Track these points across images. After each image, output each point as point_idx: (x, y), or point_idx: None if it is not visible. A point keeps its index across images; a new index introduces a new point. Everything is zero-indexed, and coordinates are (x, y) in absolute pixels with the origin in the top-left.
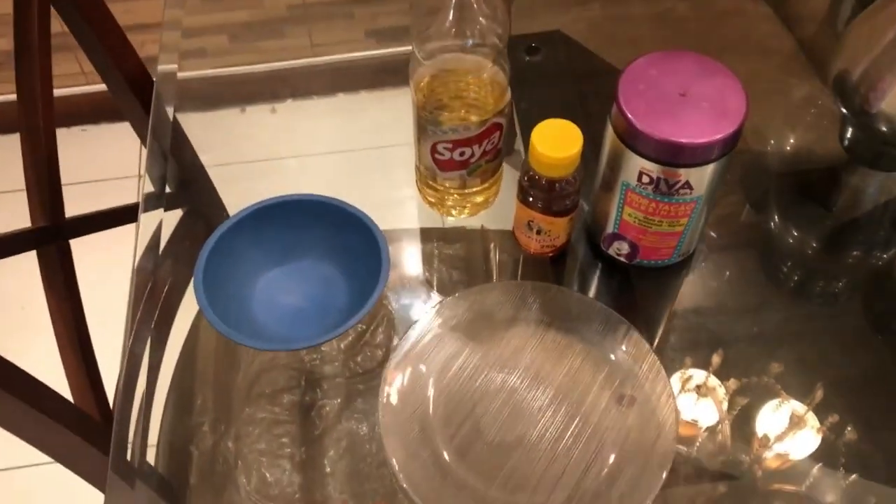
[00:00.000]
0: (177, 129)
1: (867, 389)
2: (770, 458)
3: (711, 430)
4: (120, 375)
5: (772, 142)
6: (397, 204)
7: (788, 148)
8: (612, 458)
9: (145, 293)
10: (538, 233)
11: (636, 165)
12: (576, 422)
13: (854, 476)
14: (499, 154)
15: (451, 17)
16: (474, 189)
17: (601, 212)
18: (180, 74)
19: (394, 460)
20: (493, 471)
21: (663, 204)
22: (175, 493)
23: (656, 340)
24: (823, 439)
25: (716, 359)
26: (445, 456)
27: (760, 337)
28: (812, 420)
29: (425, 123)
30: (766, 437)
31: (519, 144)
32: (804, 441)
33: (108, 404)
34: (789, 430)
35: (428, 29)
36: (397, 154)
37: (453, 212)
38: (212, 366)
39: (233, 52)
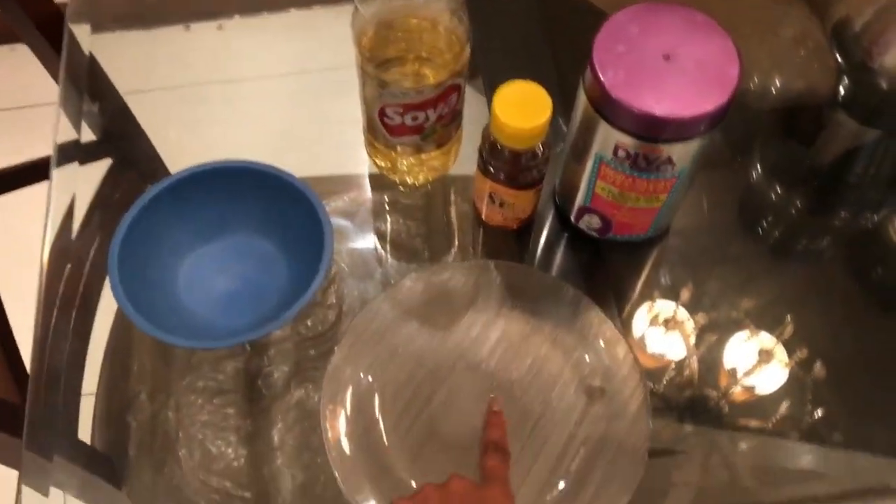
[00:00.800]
0: (97, 67)
1: (836, 325)
2: (737, 392)
3: (679, 365)
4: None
5: (756, 80)
6: (352, 142)
7: (774, 91)
8: (581, 453)
9: (65, 268)
10: (501, 205)
11: (611, 138)
12: (542, 413)
13: (820, 410)
14: (457, 115)
15: None
16: (430, 154)
17: (571, 183)
18: None
19: (335, 469)
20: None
21: (641, 180)
22: (113, 466)
23: (625, 313)
24: (791, 373)
25: (685, 293)
26: (399, 467)
27: (732, 275)
28: (780, 354)
29: (371, 84)
30: (733, 371)
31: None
32: (772, 375)
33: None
34: (757, 365)
35: None
36: (355, 77)
37: (408, 178)
38: None
39: None
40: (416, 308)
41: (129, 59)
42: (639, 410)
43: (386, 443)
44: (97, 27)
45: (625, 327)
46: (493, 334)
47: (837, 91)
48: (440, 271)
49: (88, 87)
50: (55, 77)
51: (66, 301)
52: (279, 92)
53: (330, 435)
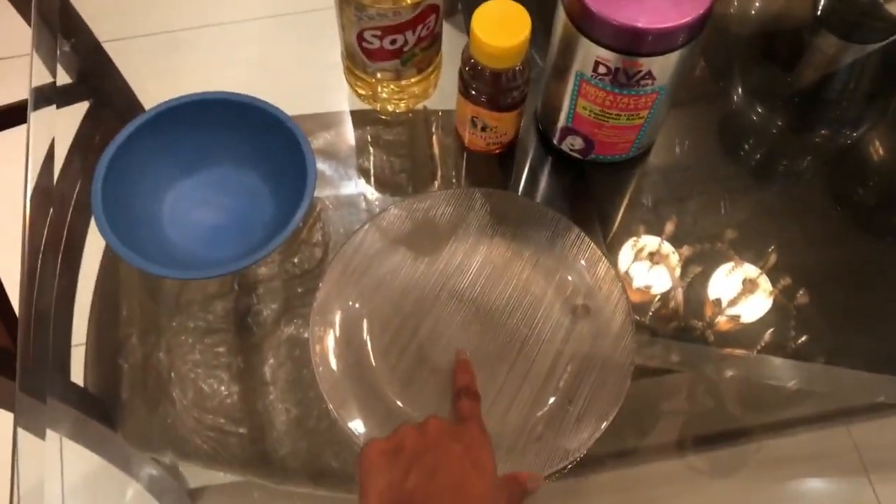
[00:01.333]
0: (69, 7)
1: (818, 246)
2: (722, 321)
3: (664, 297)
4: (21, 298)
5: (735, 3)
6: (333, 83)
7: (753, 11)
8: (568, 370)
9: (49, 209)
10: (483, 129)
11: (591, 54)
12: (529, 335)
13: (804, 337)
14: (436, 39)
15: None
16: (410, 80)
17: (552, 104)
18: None
19: (331, 406)
20: (441, 398)
21: (622, 96)
22: (107, 409)
23: (610, 237)
24: (775, 301)
25: (669, 226)
26: (389, 392)
27: (716, 202)
28: (765, 283)
29: (348, 8)
30: (718, 301)
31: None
32: (756, 304)
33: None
34: (742, 294)
35: None
36: (334, 18)
37: (388, 106)
38: (135, 272)
39: None
40: (400, 238)
41: (105, 4)
42: (623, 325)
43: (374, 364)
44: None
45: (609, 251)
46: (476, 261)
47: (816, 7)
48: (423, 200)
49: (62, 28)
50: (23, 15)
51: (52, 244)
52: (258, 35)
53: (318, 350)
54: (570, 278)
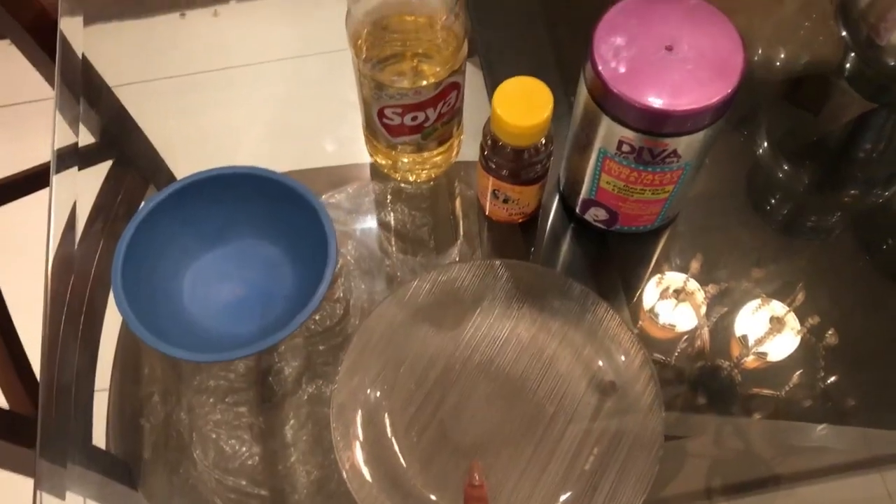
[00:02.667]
0: (91, 70)
1: (847, 294)
2: (749, 360)
3: (690, 336)
4: (43, 365)
5: (760, 51)
6: (352, 127)
7: (778, 63)
8: (594, 452)
9: (71, 275)
10: (505, 201)
11: (615, 133)
12: (555, 413)
13: (833, 378)
14: (457, 113)
15: None
16: (432, 152)
17: (575, 176)
18: None
19: (349, 482)
20: (462, 480)
21: (646, 173)
22: (129, 469)
23: (633, 304)
24: (803, 341)
25: (694, 264)
26: (407, 470)
27: (742, 249)
28: (792, 322)
29: (368, 85)
30: (745, 339)
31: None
32: (784, 343)
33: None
34: (769, 333)
35: None
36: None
37: (410, 176)
38: None
39: None
40: (423, 310)
41: (125, 49)
42: (651, 407)
43: (403, 464)
44: (89, 19)
45: (635, 304)
46: (502, 334)
47: (843, 65)
48: (446, 271)
49: (84, 90)
50: (45, 75)
51: (73, 308)
52: (277, 77)
53: (348, 465)
54: (597, 354)
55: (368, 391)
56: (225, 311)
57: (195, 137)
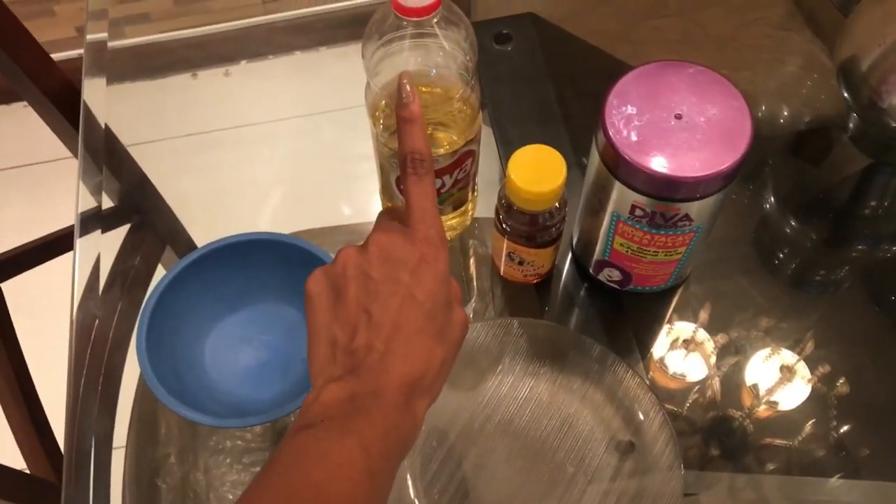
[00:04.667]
0: (114, 140)
1: (858, 342)
2: (761, 410)
3: (701, 385)
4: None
5: (763, 108)
6: (365, 183)
7: (782, 120)
8: None
9: (91, 338)
10: (520, 263)
11: (627, 198)
12: (576, 473)
13: (846, 427)
14: (472, 178)
15: (406, 46)
16: (448, 216)
17: (589, 238)
18: (126, 41)
19: None
20: None
21: (659, 236)
22: None
23: (648, 361)
24: (814, 390)
25: (703, 314)
26: None
27: (751, 305)
28: (802, 370)
29: (387, 155)
30: (755, 389)
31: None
32: (795, 391)
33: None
34: (780, 382)
35: (381, 61)
36: (363, 114)
37: None
38: None
39: (179, 14)
40: None
41: (141, 110)
42: (671, 466)
43: None
44: (109, 80)
45: (649, 361)
46: (521, 393)
47: (846, 124)
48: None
49: (106, 157)
50: (63, 139)
51: (93, 373)
52: (290, 135)
53: None
54: (617, 414)
55: None
56: (246, 376)
57: (211, 196)
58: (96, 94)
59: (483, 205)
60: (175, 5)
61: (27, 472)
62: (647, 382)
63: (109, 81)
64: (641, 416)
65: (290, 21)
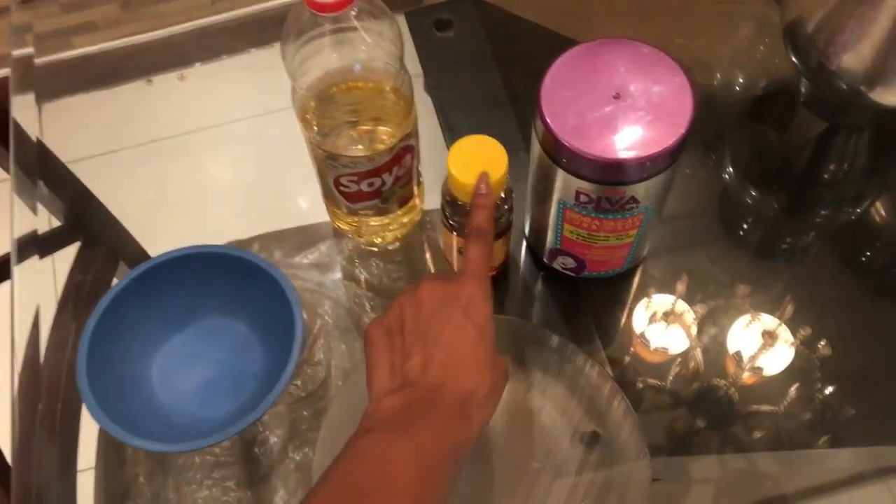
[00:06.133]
0: (47, 154)
1: (834, 304)
2: (745, 377)
3: (683, 357)
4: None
5: (718, 76)
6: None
7: (738, 87)
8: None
9: (38, 368)
10: None
11: (571, 185)
12: (541, 469)
13: (831, 388)
14: (415, 174)
15: (326, 44)
16: (396, 214)
17: (540, 226)
18: (74, 52)
19: None
20: None
21: (608, 220)
22: None
23: (610, 349)
24: (797, 353)
25: (680, 286)
26: None
27: (719, 277)
28: (784, 334)
29: (322, 158)
30: (738, 356)
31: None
32: (778, 356)
33: None
34: (762, 347)
35: (304, 61)
36: None
37: (376, 239)
38: None
39: (127, 20)
40: None
41: (90, 121)
42: (638, 453)
43: None
44: (47, 96)
45: (613, 348)
46: None
47: (799, 90)
48: None
49: (42, 174)
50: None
51: (49, 398)
52: (247, 135)
53: None
54: (580, 405)
55: None
56: (196, 395)
57: (164, 205)
58: (26, 110)
59: (434, 197)
60: (122, 11)
61: None
62: (608, 370)
63: (52, 97)
64: (604, 405)
65: (241, 19)
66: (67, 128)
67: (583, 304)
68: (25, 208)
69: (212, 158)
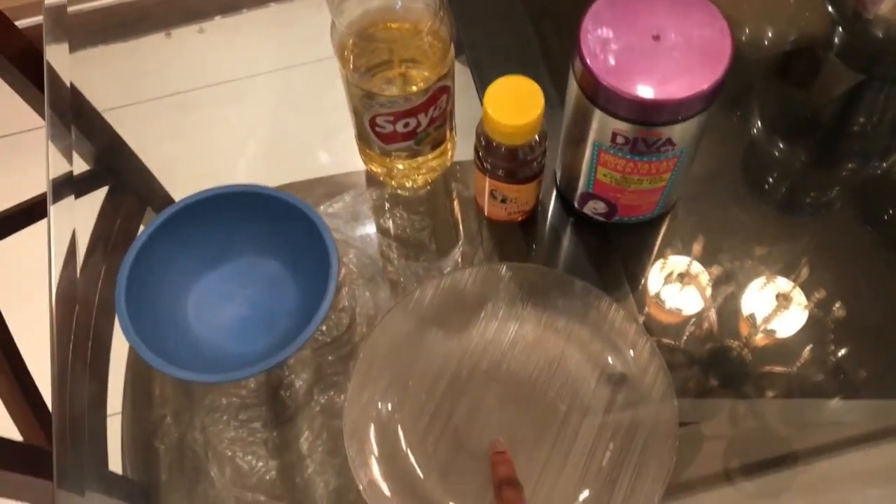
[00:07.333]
0: (80, 98)
1: (851, 266)
2: (758, 338)
3: (698, 318)
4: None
5: (747, 31)
6: (346, 135)
7: (766, 42)
8: (611, 447)
9: (74, 305)
10: (503, 201)
11: (608, 126)
12: (568, 411)
13: (843, 350)
14: (449, 116)
15: None
16: (426, 157)
17: (572, 171)
18: (93, 4)
19: (368, 499)
20: (481, 486)
21: (642, 163)
22: (147, 492)
23: (639, 293)
24: (811, 316)
25: (696, 247)
26: (425, 480)
27: (743, 231)
28: (798, 297)
29: (358, 95)
30: (752, 318)
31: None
32: (792, 318)
33: None
34: (776, 310)
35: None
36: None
37: (406, 182)
38: None
39: None
40: (428, 319)
41: (112, 73)
42: (664, 394)
43: (421, 476)
44: (75, 45)
45: (640, 293)
46: (508, 336)
47: (832, 40)
48: (447, 278)
49: (74, 119)
50: (33, 106)
51: (80, 337)
52: (268, 89)
53: (365, 481)
54: (605, 348)
55: (379, 405)
56: (230, 331)
57: (189, 156)
58: (59, 57)
59: (465, 149)
60: None
61: (21, 441)
62: (636, 314)
63: (80, 46)
64: (629, 348)
65: None
66: (89, 80)
67: (613, 250)
68: (59, 153)
69: (233, 111)
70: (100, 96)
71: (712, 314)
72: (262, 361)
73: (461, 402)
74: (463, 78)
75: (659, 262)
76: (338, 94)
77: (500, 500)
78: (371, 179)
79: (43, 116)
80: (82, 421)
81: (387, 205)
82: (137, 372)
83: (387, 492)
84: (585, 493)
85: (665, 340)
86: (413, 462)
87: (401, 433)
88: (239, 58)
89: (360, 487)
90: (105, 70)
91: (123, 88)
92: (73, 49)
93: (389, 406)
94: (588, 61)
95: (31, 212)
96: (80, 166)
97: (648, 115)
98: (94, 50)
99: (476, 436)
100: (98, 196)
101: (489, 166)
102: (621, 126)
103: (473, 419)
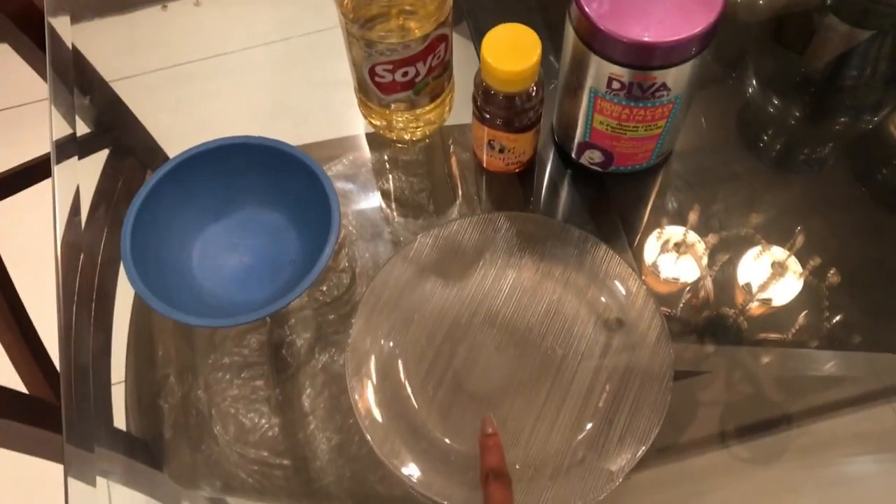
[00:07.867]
0: (82, 60)
1: (845, 229)
2: (754, 307)
3: (694, 287)
4: (61, 352)
5: None
6: (344, 104)
7: (762, 2)
8: (607, 389)
9: (79, 261)
10: (501, 151)
11: (604, 71)
12: (565, 355)
13: (838, 317)
14: (447, 67)
15: None
16: (425, 108)
17: (568, 120)
18: None
19: (384, 458)
20: (479, 428)
21: (638, 109)
22: (151, 450)
23: (636, 244)
24: (806, 283)
25: (692, 216)
26: (433, 430)
27: (738, 192)
28: (794, 265)
29: (358, 45)
30: (748, 287)
31: (467, 46)
32: (787, 287)
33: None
34: (771, 278)
35: None
36: (339, 38)
37: (405, 135)
38: None
39: None
40: (427, 268)
41: (111, 45)
42: (658, 337)
43: (415, 405)
44: (75, 17)
45: (636, 256)
46: (506, 284)
47: None
48: (447, 227)
49: (77, 81)
50: (41, 74)
51: (84, 294)
52: (265, 61)
53: (360, 406)
54: (601, 294)
55: (381, 342)
56: (234, 280)
57: (188, 128)
58: (61, 23)
59: (463, 111)
60: None
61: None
62: (631, 261)
63: (77, 18)
64: (624, 294)
65: None
66: (87, 52)
67: (609, 200)
68: (61, 117)
69: (229, 84)
70: (99, 68)
71: (708, 283)
72: (267, 306)
73: (461, 348)
74: (460, 40)
75: (655, 232)
76: (334, 64)
77: (486, 492)
78: (370, 142)
79: (45, 78)
80: (87, 374)
81: (386, 167)
82: (141, 332)
83: (379, 419)
84: (583, 433)
85: (662, 308)
86: (412, 398)
87: (403, 377)
88: (234, 30)
89: (356, 411)
90: (102, 42)
91: (121, 60)
92: (72, 21)
93: (391, 343)
94: (584, 6)
95: (35, 171)
96: (81, 129)
97: (644, 58)
98: (90, 23)
99: (475, 380)
100: (100, 157)
101: (487, 115)
102: (617, 70)
103: (473, 364)
